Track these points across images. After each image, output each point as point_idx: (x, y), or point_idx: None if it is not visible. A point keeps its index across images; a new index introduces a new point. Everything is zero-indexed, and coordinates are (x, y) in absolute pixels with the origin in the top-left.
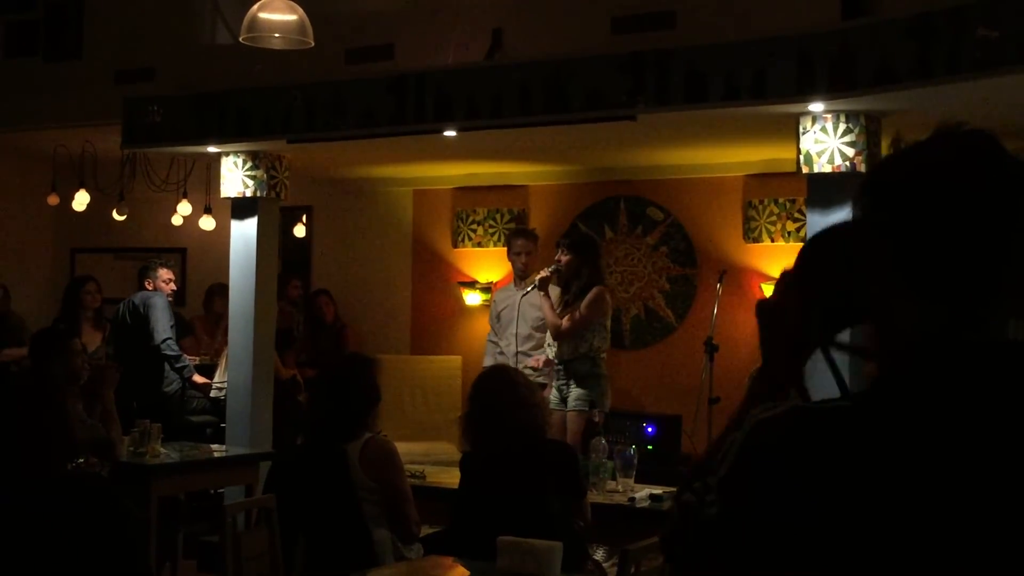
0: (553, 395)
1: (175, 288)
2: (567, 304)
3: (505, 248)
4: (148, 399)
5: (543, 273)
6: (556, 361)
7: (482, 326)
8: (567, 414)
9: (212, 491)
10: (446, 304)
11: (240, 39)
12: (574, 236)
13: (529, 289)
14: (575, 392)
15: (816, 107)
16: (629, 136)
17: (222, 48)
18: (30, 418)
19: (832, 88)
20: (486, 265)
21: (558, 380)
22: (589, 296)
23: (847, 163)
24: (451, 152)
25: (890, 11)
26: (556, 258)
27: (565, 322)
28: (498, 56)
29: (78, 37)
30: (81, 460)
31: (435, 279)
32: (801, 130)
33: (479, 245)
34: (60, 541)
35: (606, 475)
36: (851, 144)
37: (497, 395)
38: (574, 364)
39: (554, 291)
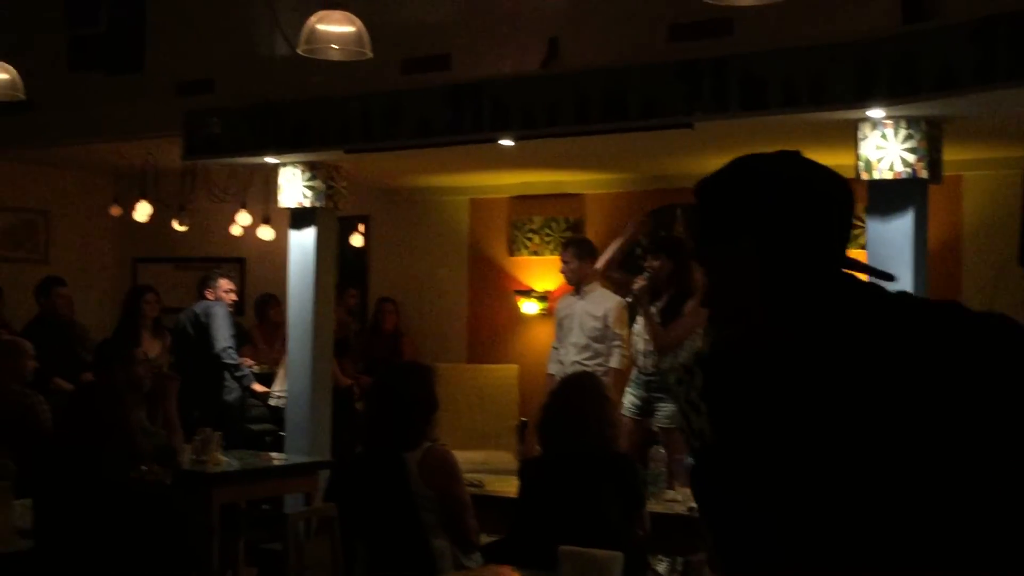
0: (631, 401)
1: (235, 298)
2: (665, 313)
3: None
4: (209, 407)
5: (638, 284)
6: (643, 369)
7: (539, 335)
8: (666, 431)
9: (272, 499)
10: (502, 313)
11: (299, 51)
12: (665, 239)
13: (628, 300)
14: (670, 408)
15: (876, 113)
16: (686, 143)
17: (280, 59)
18: (95, 426)
19: (892, 94)
20: (542, 274)
21: (647, 390)
22: (692, 303)
23: (908, 170)
24: (507, 161)
25: (952, 15)
26: (647, 264)
27: (671, 332)
28: (554, 65)
29: (140, 50)
30: (145, 468)
31: (491, 288)
32: (860, 136)
33: (535, 253)
34: (121, 547)
35: (664, 484)
36: (912, 150)
37: (587, 404)
38: (669, 377)
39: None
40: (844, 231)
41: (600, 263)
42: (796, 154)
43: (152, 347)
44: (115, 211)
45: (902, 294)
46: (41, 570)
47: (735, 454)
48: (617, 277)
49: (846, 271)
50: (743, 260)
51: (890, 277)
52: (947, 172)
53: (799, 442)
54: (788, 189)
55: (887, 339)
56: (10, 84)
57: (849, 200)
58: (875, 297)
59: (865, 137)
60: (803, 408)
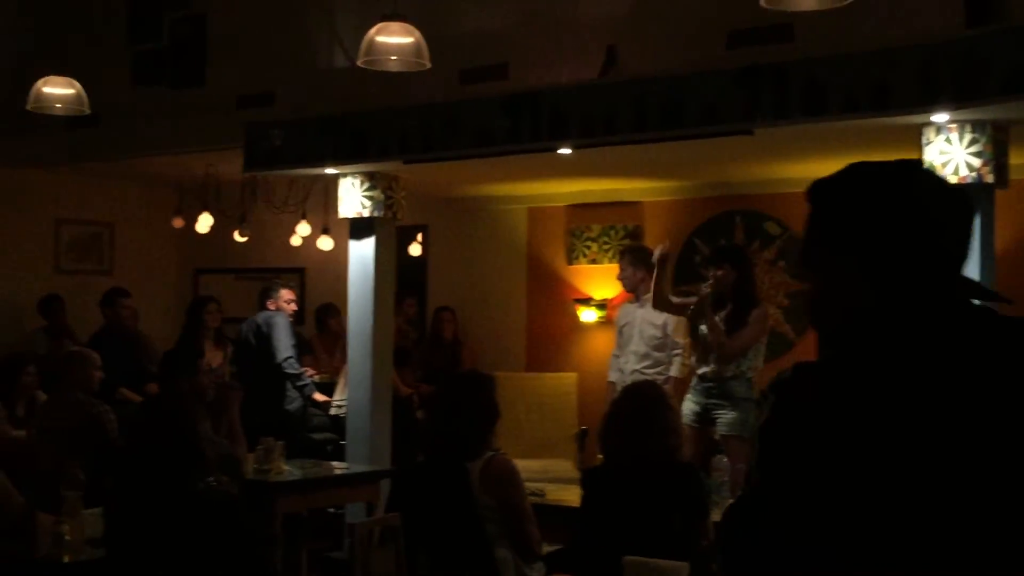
0: (691, 409)
1: (296, 308)
2: (729, 321)
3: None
4: (270, 417)
5: (704, 290)
6: (704, 377)
7: (597, 343)
8: (725, 439)
9: (332, 508)
10: (561, 321)
11: (358, 63)
12: (727, 248)
13: (690, 310)
14: (731, 416)
15: (940, 117)
16: (745, 151)
17: (339, 71)
18: (164, 437)
19: (957, 97)
20: (601, 282)
21: (706, 397)
22: (757, 312)
23: (974, 174)
24: (565, 169)
25: (1017, 17)
26: (710, 274)
27: (736, 341)
28: (612, 73)
29: (202, 65)
30: (213, 479)
31: (550, 296)
32: (924, 141)
33: (594, 262)
34: (192, 556)
35: (727, 493)
36: (978, 155)
37: (650, 413)
38: (731, 384)
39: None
40: (959, 250)
41: (652, 303)
42: (914, 166)
43: (214, 357)
44: (178, 223)
45: (1021, 322)
46: None
47: (779, 501)
48: (677, 302)
49: (960, 293)
50: (845, 273)
51: (1007, 300)
52: (1014, 176)
53: (857, 498)
54: (898, 207)
55: (980, 380)
56: (76, 99)
57: (967, 218)
58: (983, 326)
59: (929, 142)
60: (869, 461)
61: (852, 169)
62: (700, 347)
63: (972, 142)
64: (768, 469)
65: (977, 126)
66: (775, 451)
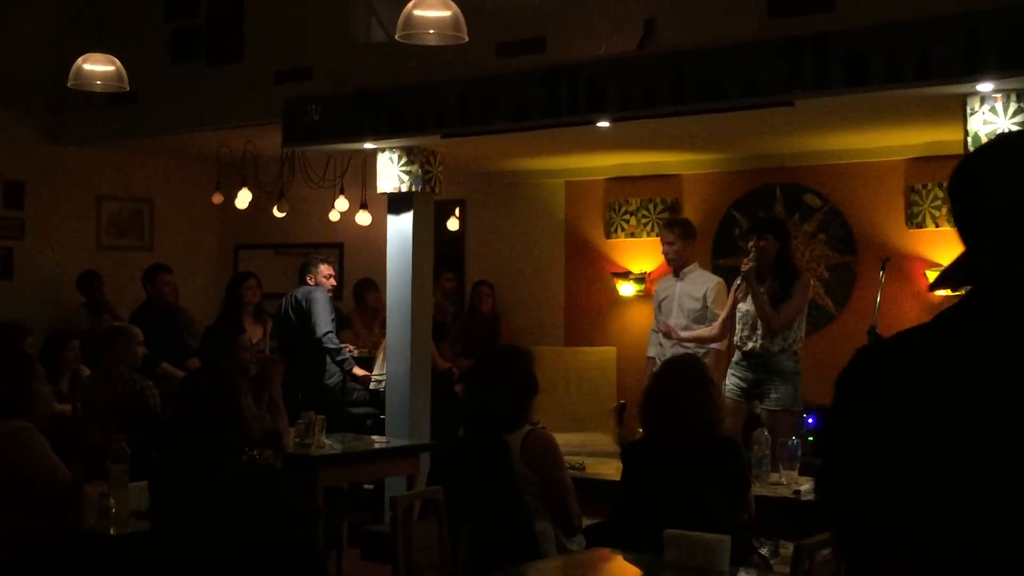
0: (735, 383)
1: (335, 283)
2: (774, 294)
3: (659, 238)
4: (310, 391)
5: (746, 266)
6: (750, 351)
7: (636, 316)
8: (774, 414)
9: (372, 482)
10: (600, 295)
11: (396, 37)
12: (770, 219)
13: (738, 283)
14: (781, 391)
15: (985, 87)
16: (786, 122)
17: (377, 46)
18: (208, 411)
19: (1002, 67)
20: (640, 255)
21: (753, 372)
22: (801, 283)
23: None
24: (604, 143)
25: None
26: (751, 245)
27: (782, 313)
28: (650, 45)
29: (239, 41)
30: (257, 453)
31: (588, 270)
32: (969, 111)
33: (632, 235)
34: (236, 529)
35: (768, 467)
36: (1023, 124)
37: (691, 387)
38: (779, 359)
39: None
40: None
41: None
42: (1008, 138)
43: (254, 332)
44: (217, 199)
45: None
46: (158, 551)
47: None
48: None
49: None
50: (964, 248)
51: None
52: None
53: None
54: (977, 184)
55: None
56: (115, 76)
57: None
58: None
59: (974, 112)
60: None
61: (982, 146)
62: (744, 322)
63: (1017, 111)
64: (839, 445)
65: (1022, 95)
66: (842, 437)
